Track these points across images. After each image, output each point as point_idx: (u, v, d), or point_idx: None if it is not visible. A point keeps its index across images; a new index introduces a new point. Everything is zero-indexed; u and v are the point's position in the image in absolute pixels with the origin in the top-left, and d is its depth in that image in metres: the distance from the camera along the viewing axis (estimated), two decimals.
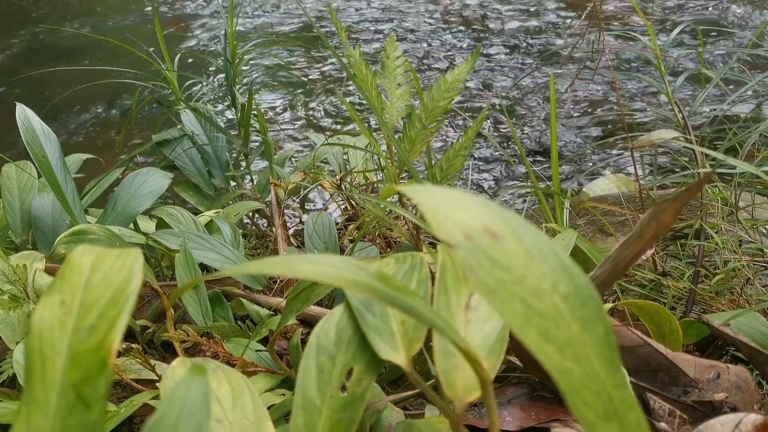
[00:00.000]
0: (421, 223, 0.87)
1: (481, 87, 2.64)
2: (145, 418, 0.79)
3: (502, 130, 2.32)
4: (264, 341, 0.87)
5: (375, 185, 1.42)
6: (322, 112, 2.52)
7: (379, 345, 0.53)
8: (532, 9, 3.42)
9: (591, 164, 2.06)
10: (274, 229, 1.28)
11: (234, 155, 1.90)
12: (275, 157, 1.49)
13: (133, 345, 0.78)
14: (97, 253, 0.45)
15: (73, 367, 0.39)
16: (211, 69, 2.85)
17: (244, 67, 2.66)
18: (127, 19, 3.81)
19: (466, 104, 2.51)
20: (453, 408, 0.50)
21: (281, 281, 1.06)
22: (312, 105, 2.58)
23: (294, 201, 1.53)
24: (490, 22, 3.31)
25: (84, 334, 0.40)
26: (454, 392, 0.50)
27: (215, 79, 2.71)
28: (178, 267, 0.92)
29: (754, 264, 1.02)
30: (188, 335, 0.79)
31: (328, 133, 2.22)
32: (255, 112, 1.40)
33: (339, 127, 2.41)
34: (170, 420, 0.34)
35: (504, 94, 2.55)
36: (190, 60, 2.93)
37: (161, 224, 1.13)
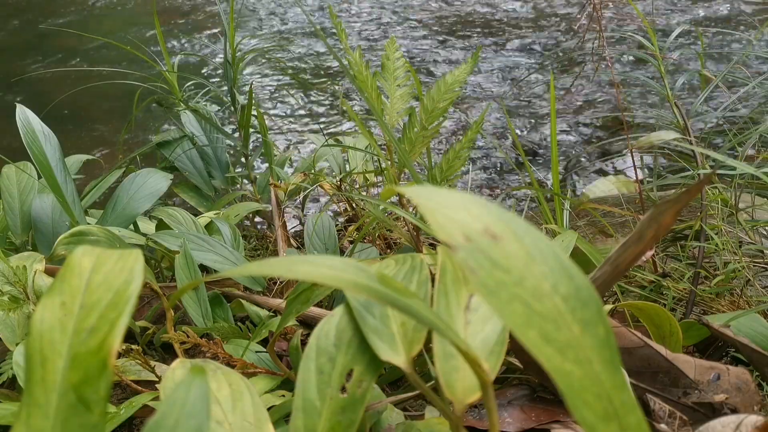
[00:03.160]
0: (421, 225, 0.87)
1: (480, 87, 2.64)
2: (144, 420, 0.79)
3: (499, 130, 2.32)
4: (264, 342, 0.87)
5: (375, 185, 1.42)
6: (323, 112, 2.52)
7: (379, 346, 0.53)
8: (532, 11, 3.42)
9: (591, 165, 2.06)
10: (273, 230, 1.28)
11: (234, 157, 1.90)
12: (275, 158, 1.49)
13: (133, 346, 0.78)
14: (97, 255, 0.45)
15: (74, 369, 0.39)
16: (216, 71, 2.85)
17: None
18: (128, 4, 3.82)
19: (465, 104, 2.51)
20: (453, 409, 0.50)
21: (281, 282, 1.06)
22: (312, 104, 2.58)
23: (294, 202, 1.53)
24: (489, 23, 3.31)
25: (84, 336, 0.40)
26: (454, 394, 0.50)
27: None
28: (177, 268, 0.92)
29: (754, 265, 1.02)
30: (188, 336, 0.79)
31: (328, 133, 2.23)
32: (255, 113, 1.40)
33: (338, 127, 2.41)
34: (170, 421, 0.34)
35: (503, 95, 2.55)
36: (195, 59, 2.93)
37: (161, 225, 1.13)
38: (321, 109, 2.55)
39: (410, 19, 3.43)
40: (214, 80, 2.69)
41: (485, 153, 2.15)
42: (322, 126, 2.40)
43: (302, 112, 2.54)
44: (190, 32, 3.39)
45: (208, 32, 3.41)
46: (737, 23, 3.06)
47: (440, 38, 3.16)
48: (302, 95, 2.68)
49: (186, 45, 3.25)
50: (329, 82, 2.76)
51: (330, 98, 2.62)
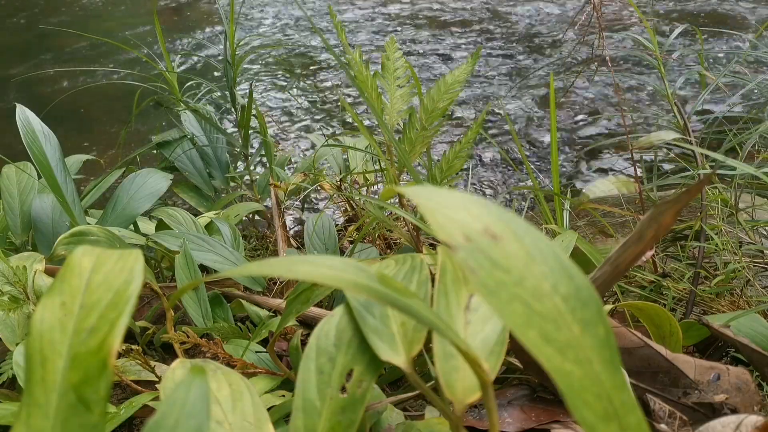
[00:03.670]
0: (421, 225, 0.87)
1: (480, 87, 2.64)
2: (144, 420, 0.79)
3: (497, 131, 2.32)
4: (264, 342, 0.87)
5: (375, 185, 1.42)
6: (323, 112, 2.52)
7: (379, 346, 0.53)
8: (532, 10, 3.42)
9: (590, 165, 2.06)
10: (273, 230, 1.28)
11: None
12: (275, 158, 1.49)
13: (133, 346, 0.78)
14: (97, 255, 0.45)
15: (74, 369, 0.39)
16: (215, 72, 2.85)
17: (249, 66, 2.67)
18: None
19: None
20: (453, 409, 0.50)
21: (281, 283, 1.06)
22: (311, 106, 2.58)
23: (294, 201, 1.53)
24: (490, 23, 3.31)
25: (84, 336, 0.40)
26: (454, 394, 0.50)
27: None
28: (177, 268, 0.92)
29: (754, 265, 1.02)
30: (188, 336, 0.79)
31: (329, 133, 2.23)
32: (255, 113, 1.40)
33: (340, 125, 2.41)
34: (170, 421, 0.34)
35: (502, 96, 2.55)
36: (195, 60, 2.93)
37: (161, 225, 1.13)
38: (321, 108, 2.55)
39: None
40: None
41: (485, 152, 2.15)
42: (322, 126, 2.40)
43: (302, 111, 2.54)
44: (187, 30, 3.39)
45: (208, 29, 3.42)
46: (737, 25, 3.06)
47: (436, 34, 3.17)
48: (302, 94, 2.68)
49: (184, 43, 3.25)
50: (330, 83, 2.76)
51: (330, 96, 2.62)
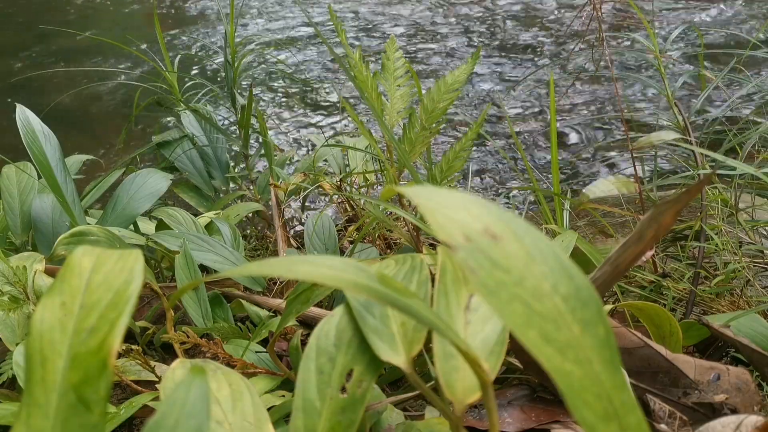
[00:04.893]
0: (421, 225, 0.87)
1: (480, 88, 2.64)
2: (144, 420, 0.79)
3: (500, 131, 2.32)
4: (264, 343, 0.87)
5: (375, 186, 1.42)
6: (323, 113, 2.52)
7: (379, 346, 0.53)
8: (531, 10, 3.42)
9: (591, 166, 2.06)
10: (273, 230, 1.28)
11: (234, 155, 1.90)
12: (275, 158, 1.49)
13: (132, 346, 0.78)
14: (97, 255, 0.45)
15: (74, 369, 0.39)
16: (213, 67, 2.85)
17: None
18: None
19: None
20: (453, 409, 0.50)
21: (281, 283, 1.06)
22: (312, 106, 2.59)
23: (294, 201, 1.53)
24: (489, 24, 3.31)
25: (84, 336, 0.40)
26: (454, 394, 0.50)
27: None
28: (177, 268, 0.92)
29: (754, 265, 1.02)
30: (188, 336, 0.79)
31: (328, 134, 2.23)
32: (255, 114, 1.40)
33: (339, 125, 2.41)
34: (170, 421, 0.34)
35: (503, 97, 2.55)
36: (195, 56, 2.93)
37: (161, 225, 1.13)
38: (321, 108, 2.56)
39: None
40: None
41: (485, 153, 2.15)
42: (323, 127, 2.40)
43: (302, 111, 2.54)
44: (185, 31, 3.39)
45: (205, 29, 3.42)
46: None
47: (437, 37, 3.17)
48: (301, 95, 2.68)
49: (182, 42, 3.25)
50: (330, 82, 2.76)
51: (330, 96, 2.62)
